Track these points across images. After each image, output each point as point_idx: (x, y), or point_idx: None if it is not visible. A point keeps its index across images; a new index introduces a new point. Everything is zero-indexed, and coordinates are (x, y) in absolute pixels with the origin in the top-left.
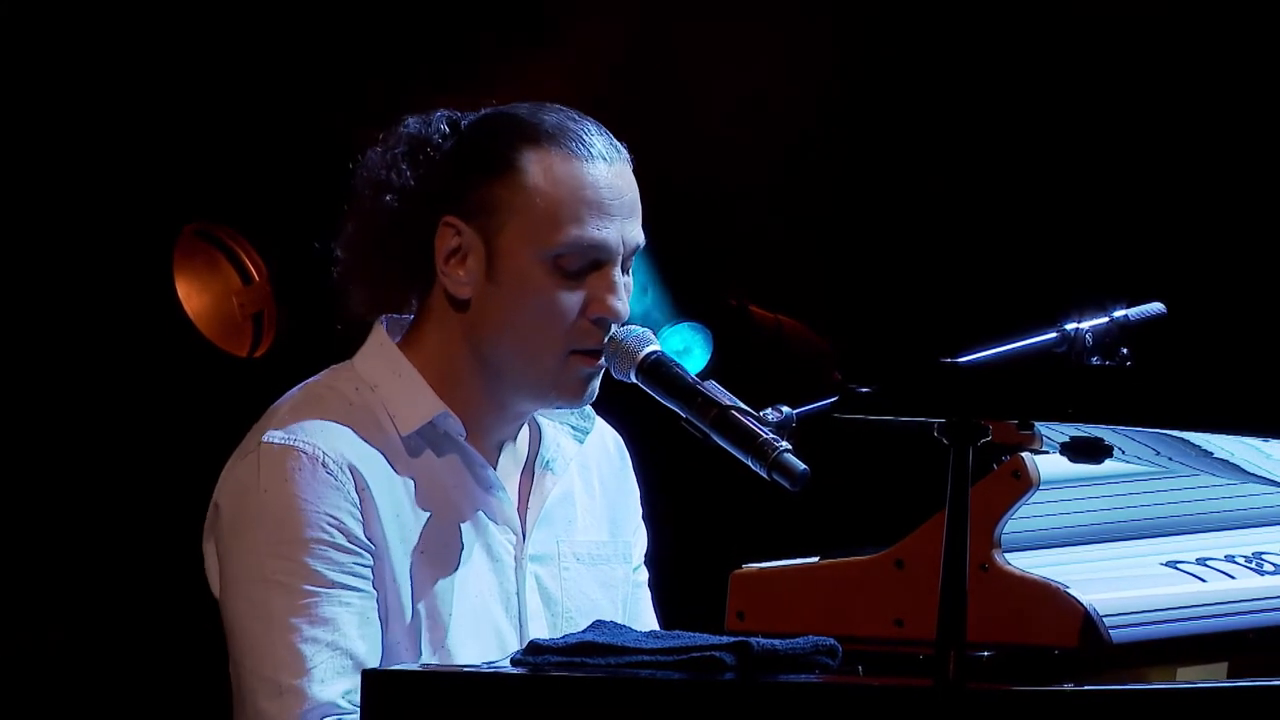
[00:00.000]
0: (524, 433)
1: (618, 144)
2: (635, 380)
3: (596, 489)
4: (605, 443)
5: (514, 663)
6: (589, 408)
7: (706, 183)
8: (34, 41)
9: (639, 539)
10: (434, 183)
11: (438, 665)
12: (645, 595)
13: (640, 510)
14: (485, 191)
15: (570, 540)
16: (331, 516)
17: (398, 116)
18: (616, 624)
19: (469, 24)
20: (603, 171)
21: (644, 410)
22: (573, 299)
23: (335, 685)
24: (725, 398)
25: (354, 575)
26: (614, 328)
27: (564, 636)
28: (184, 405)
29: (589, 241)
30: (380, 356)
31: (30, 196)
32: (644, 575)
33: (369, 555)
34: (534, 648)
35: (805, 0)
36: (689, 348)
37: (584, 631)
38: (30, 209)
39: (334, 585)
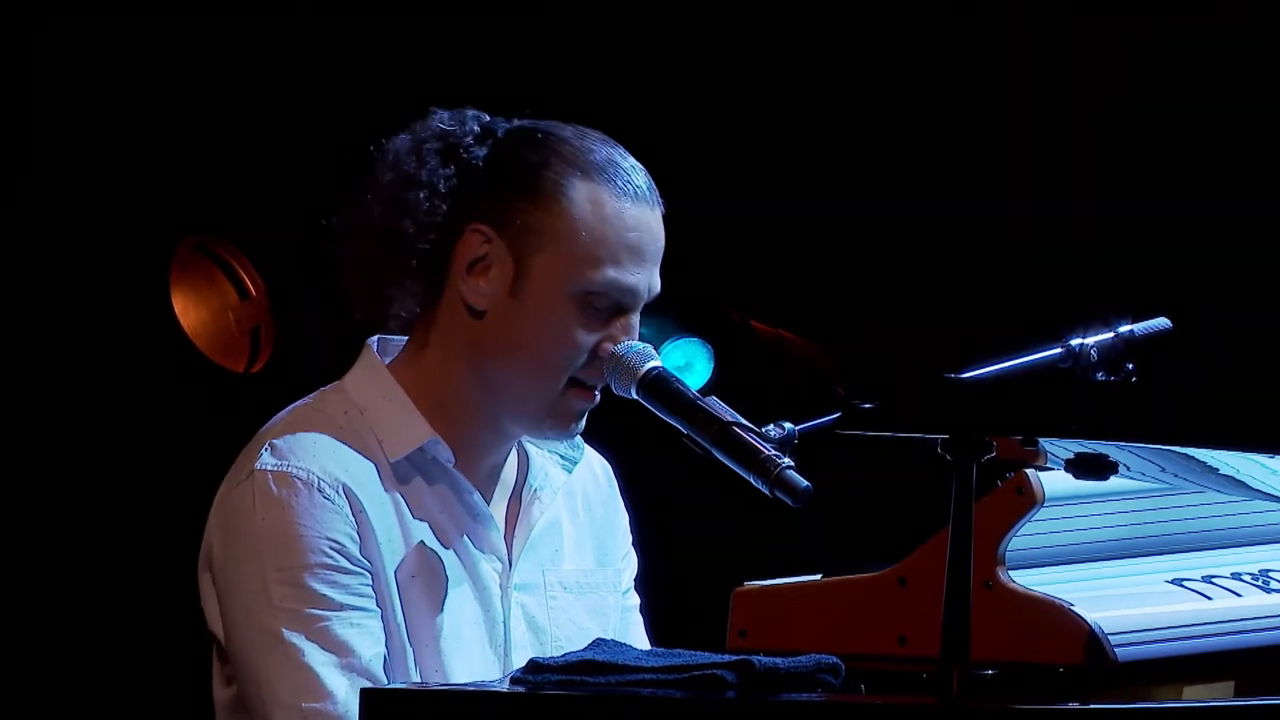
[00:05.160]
0: (511, 460)
1: (655, 187)
2: (636, 396)
3: (583, 517)
4: (594, 470)
5: (513, 681)
6: (579, 437)
7: (707, 194)
8: (31, 52)
9: (628, 565)
10: (467, 187)
11: (436, 684)
12: (636, 619)
13: (630, 537)
14: (526, 210)
15: (556, 569)
16: (332, 540)
17: (426, 110)
18: (617, 642)
19: (469, 34)
20: (645, 215)
21: (645, 426)
22: (589, 337)
23: (356, 706)
24: (727, 414)
25: (360, 595)
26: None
27: (564, 655)
28: (180, 421)
29: (624, 286)
30: (369, 379)
31: (27, 209)
32: (634, 600)
33: (369, 575)
34: (534, 666)
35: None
36: (690, 363)
37: (584, 650)
38: (27, 222)
39: (343, 608)
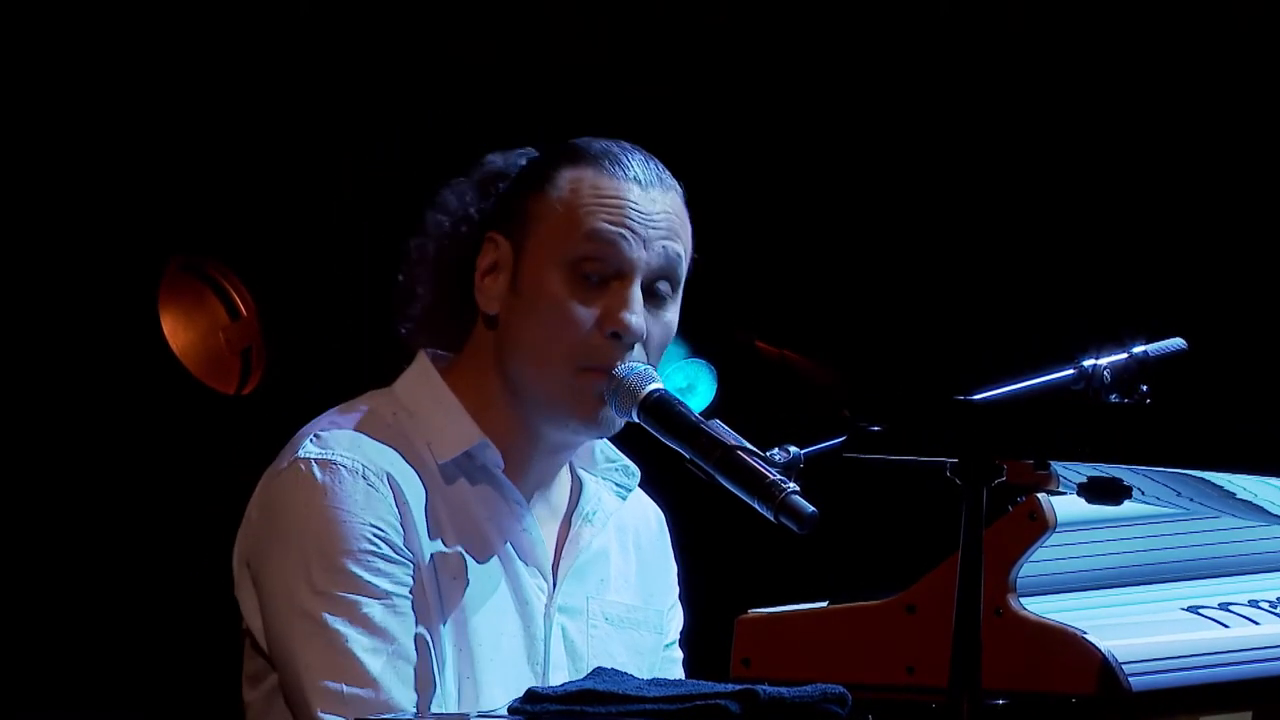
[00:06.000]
0: (564, 483)
1: (666, 177)
2: (637, 419)
3: (633, 556)
4: (647, 514)
5: (511, 711)
6: (633, 466)
7: (708, 213)
8: (16, 67)
9: (674, 616)
10: (489, 206)
11: (436, 714)
12: (679, 673)
13: (676, 589)
14: (519, 205)
15: (601, 599)
16: (375, 527)
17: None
18: (617, 671)
19: (466, 48)
20: (633, 190)
21: (648, 450)
22: (586, 312)
23: (401, 694)
24: (730, 437)
25: (403, 584)
26: (616, 366)
27: (563, 684)
28: (170, 445)
29: (603, 236)
30: (421, 383)
31: (10, 228)
32: (678, 654)
33: (412, 565)
34: (532, 696)
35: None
36: (693, 385)
37: (584, 679)
38: (10, 241)
39: (386, 595)
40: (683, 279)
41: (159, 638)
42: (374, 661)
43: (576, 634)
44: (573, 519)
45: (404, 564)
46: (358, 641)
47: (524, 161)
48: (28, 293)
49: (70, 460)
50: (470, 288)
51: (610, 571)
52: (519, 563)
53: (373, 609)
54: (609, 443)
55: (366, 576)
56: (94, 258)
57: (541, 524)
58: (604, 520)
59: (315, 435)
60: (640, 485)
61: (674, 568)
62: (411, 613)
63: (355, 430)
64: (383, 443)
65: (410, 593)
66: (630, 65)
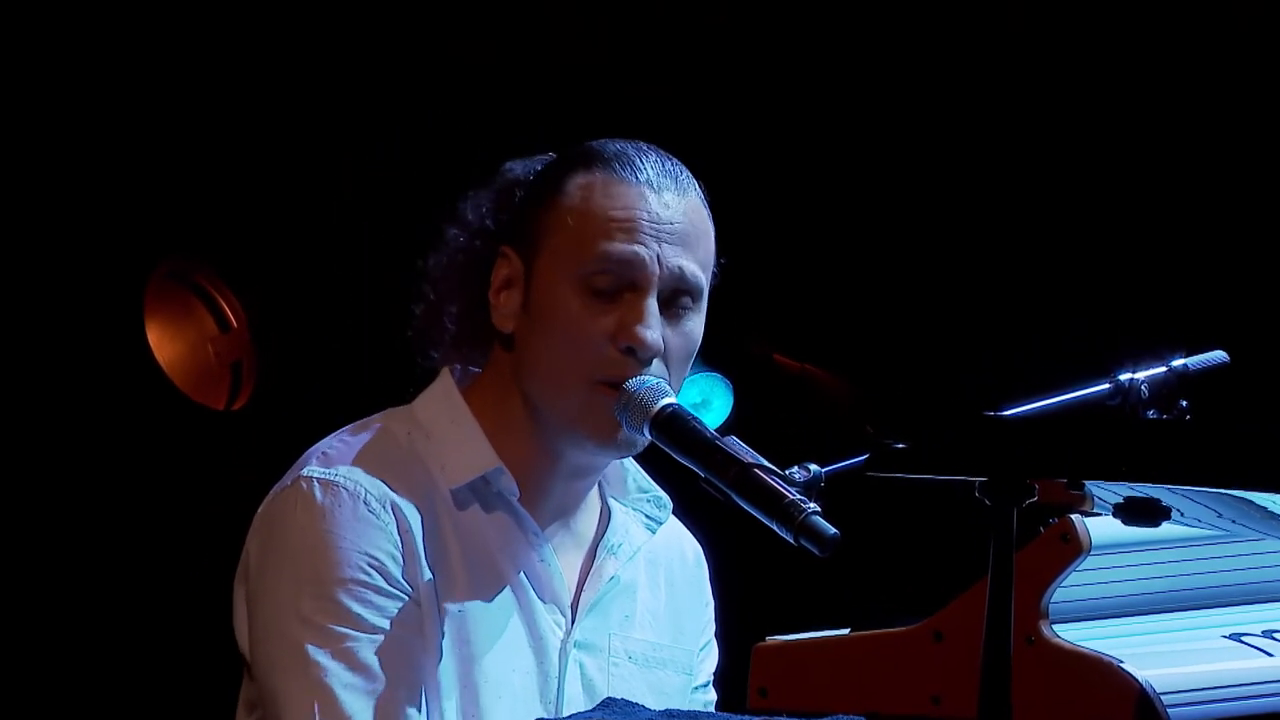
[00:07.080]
0: (592, 511)
1: (683, 178)
2: (649, 436)
3: (663, 591)
4: (683, 549)
5: None
6: (665, 498)
7: (718, 220)
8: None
9: (708, 656)
10: (503, 217)
11: None
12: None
13: (713, 627)
14: (530, 217)
15: (625, 636)
16: (371, 557)
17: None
18: (628, 702)
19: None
20: (646, 196)
21: (661, 467)
22: (600, 325)
23: None
24: (747, 455)
25: (395, 619)
26: (627, 380)
27: (571, 716)
28: (156, 462)
29: (615, 256)
30: (440, 403)
31: None
32: (711, 695)
33: (409, 600)
34: None
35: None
36: (708, 400)
37: (592, 710)
38: None
39: (374, 629)
40: (705, 287)
41: (148, 659)
42: (351, 699)
43: (596, 672)
44: (598, 550)
45: (399, 597)
46: (337, 676)
47: (540, 166)
48: (3, 304)
49: (49, 483)
50: (483, 300)
51: (637, 607)
52: (533, 595)
53: (358, 643)
54: (643, 472)
55: (356, 609)
56: (74, 265)
57: (563, 553)
58: (630, 552)
59: (323, 453)
60: None
61: (710, 605)
62: (403, 649)
63: (365, 450)
64: (393, 465)
65: (405, 628)
66: (630, 65)
